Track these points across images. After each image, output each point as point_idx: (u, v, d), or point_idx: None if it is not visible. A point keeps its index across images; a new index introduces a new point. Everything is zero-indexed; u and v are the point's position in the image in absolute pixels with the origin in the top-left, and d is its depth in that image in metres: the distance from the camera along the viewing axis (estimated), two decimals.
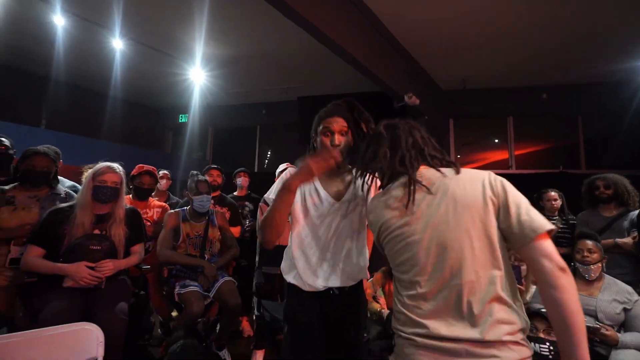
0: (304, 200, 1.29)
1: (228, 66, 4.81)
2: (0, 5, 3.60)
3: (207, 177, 3.08)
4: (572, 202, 3.13)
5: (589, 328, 1.83)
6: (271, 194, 1.31)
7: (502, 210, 0.88)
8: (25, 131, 3.93)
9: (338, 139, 1.26)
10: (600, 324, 1.87)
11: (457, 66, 4.70)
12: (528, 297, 2.17)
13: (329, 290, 1.27)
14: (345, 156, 1.29)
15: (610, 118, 4.84)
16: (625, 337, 1.83)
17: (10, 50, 4.50)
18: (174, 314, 2.67)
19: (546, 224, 0.84)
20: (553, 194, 3.08)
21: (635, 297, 1.95)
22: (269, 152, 6.74)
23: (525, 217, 0.85)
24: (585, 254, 2.09)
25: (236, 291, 2.37)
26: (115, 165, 2.12)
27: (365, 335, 2.41)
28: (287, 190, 1.16)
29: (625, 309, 1.91)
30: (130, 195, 2.71)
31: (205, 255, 2.50)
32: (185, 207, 2.59)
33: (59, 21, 3.77)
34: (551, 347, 1.67)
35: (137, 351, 2.53)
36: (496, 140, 5.71)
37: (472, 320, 0.83)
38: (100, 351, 1.50)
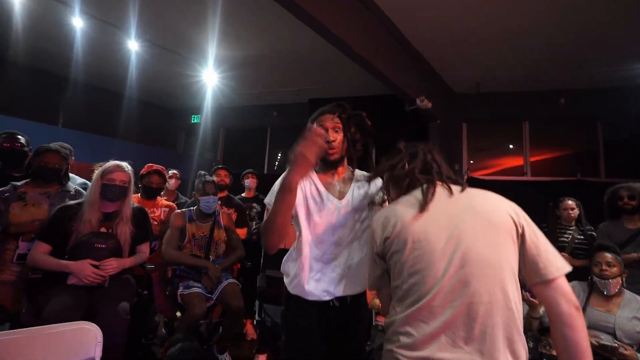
0: (305, 201, 1.27)
1: (240, 68, 4.85)
2: (22, 8, 3.73)
3: (214, 178, 3.09)
4: (590, 211, 3.00)
5: (606, 347, 1.74)
6: (272, 198, 1.28)
7: (526, 241, 0.88)
8: (43, 129, 4.04)
9: (332, 135, 1.28)
10: (619, 343, 1.78)
11: (471, 69, 4.60)
12: (541, 310, 2.08)
13: (329, 301, 1.23)
14: (342, 154, 1.29)
15: (631, 124, 4.64)
16: None
17: (31, 52, 4.65)
18: (179, 314, 2.67)
19: (567, 266, 0.87)
20: (570, 202, 2.96)
21: None
22: (279, 154, 6.75)
23: (549, 255, 0.87)
24: (604, 267, 1.99)
25: (239, 294, 2.35)
26: (124, 164, 2.14)
27: (369, 344, 2.37)
28: (287, 189, 1.08)
29: None
30: (139, 194, 2.73)
31: (210, 257, 2.49)
32: (192, 207, 2.59)
33: (77, 23, 3.87)
34: None
35: (140, 350, 2.55)
36: (511, 146, 5.55)
37: (482, 345, 0.80)
38: (98, 352, 1.49)
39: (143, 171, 2.73)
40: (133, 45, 4.16)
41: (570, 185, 4.49)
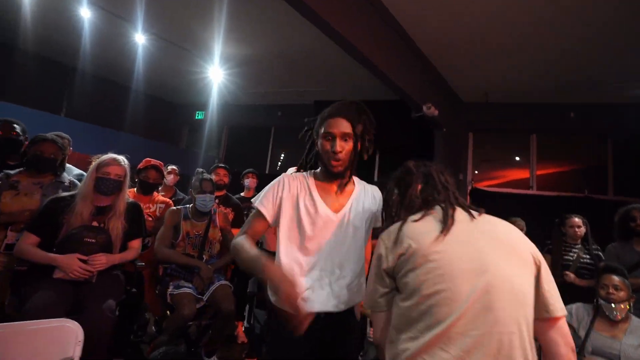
0: (297, 209, 1.18)
1: (246, 65, 4.83)
2: None
3: (213, 176, 3.04)
4: (597, 230, 2.92)
5: None
6: (257, 201, 1.21)
7: (541, 277, 0.89)
8: (45, 118, 4.03)
9: (340, 145, 1.14)
10: None
11: (480, 78, 4.53)
12: None
13: (317, 313, 1.14)
14: (347, 165, 1.18)
15: None
16: None
17: (39, 40, 4.64)
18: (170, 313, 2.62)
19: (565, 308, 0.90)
20: (577, 220, 2.87)
21: None
22: (282, 155, 6.71)
23: (557, 294, 0.88)
24: (611, 290, 1.91)
25: (231, 296, 2.29)
26: (121, 157, 2.09)
27: (361, 354, 2.29)
28: (258, 273, 0.99)
29: None
30: (135, 189, 2.69)
31: (204, 256, 2.44)
32: (188, 205, 2.54)
33: (85, 14, 3.87)
34: None
35: (129, 347, 2.50)
36: (517, 158, 5.46)
37: None
38: (77, 351, 1.43)
39: (140, 165, 2.69)
40: (140, 39, 4.15)
41: (577, 201, 4.39)
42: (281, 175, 1.24)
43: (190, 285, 2.27)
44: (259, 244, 2.64)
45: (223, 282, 2.37)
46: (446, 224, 0.89)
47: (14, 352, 1.31)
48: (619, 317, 1.84)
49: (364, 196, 1.26)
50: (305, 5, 2.54)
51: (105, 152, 2.07)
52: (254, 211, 1.21)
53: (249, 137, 7.00)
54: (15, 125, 2.24)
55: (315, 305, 1.13)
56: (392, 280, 0.91)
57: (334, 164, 1.15)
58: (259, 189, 3.51)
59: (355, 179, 1.30)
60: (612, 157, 4.80)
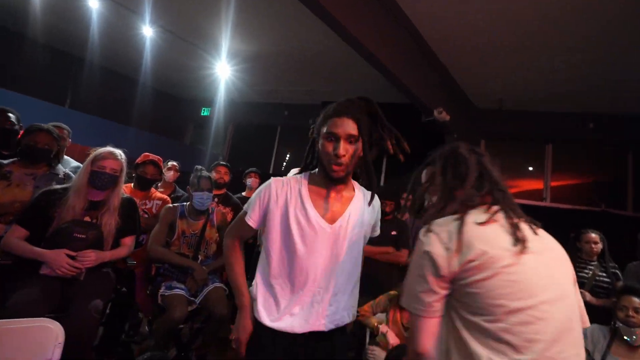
0: (286, 219, 1.06)
1: (253, 62, 4.77)
2: None
3: (214, 174, 2.97)
4: (614, 247, 2.77)
5: None
6: (249, 208, 1.13)
7: (576, 287, 0.89)
8: (48, 108, 4.01)
9: (344, 147, 1.01)
10: None
11: (495, 84, 4.38)
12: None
13: (298, 335, 1.04)
14: (350, 170, 1.06)
15: None
16: None
17: (46, 29, 4.62)
18: None
19: None
20: (594, 235, 2.72)
21: None
22: (288, 155, 6.63)
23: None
24: (631, 313, 1.80)
25: (225, 299, 2.19)
26: (118, 151, 2.02)
27: None
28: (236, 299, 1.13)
29: None
30: (132, 184, 2.61)
31: (199, 257, 2.35)
32: (185, 203, 2.45)
33: (93, 4, 3.83)
34: None
35: (120, 347, 2.42)
36: (530, 168, 5.28)
37: None
38: (56, 354, 1.35)
39: (138, 160, 2.62)
40: (147, 31, 4.11)
41: (593, 216, 4.21)
42: (269, 180, 1.13)
43: (183, 287, 2.18)
44: (258, 245, 2.54)
45: (218, 284, 2.27)
46: (518, 234, 0.81)
47: None
48: (639, 342, 1.70)
49: (364, 205, 1.13)
50: (314, 1, 2.45)
51: (113, 146, 2.01)
52: (243, 213, 1.14)
53: (254, 135, 6.94)
54: (9, 115, 2.19)
55: (304, 324, 1.03)
56: (450, 285, 0.80)
57: (335, 168, 1.03)
58: None
59: (355, 184, 1.17)
60: (633, 170, 4.60)
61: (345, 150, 1.01)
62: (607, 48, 3.33)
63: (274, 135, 6.63)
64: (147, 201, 2.60)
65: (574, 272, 0.88)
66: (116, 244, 1.99)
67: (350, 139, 1.02)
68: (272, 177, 1.14)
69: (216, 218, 2.48)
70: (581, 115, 4.65)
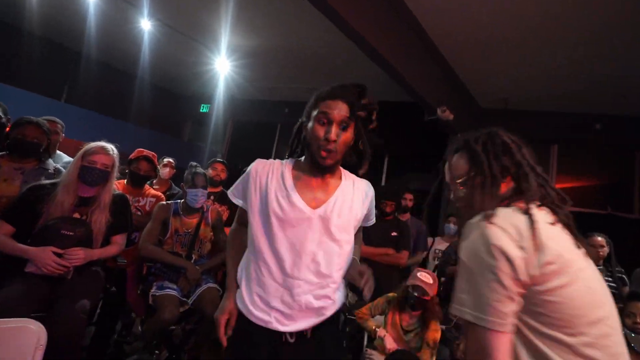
0: (265, 202, 1.00)
1: (253, 57, 4.70)
2: None
3: (210, 171, 2.91)
4: (620, 250, 2.71)
5: None
6: (234, 191, 1.11)
7: None
8: (43, 102, 3.95)
9: (335, 131, 0.95)
10: None
11: (498, 80, 4.29)
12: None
13: (281, 334, 0.98)
14: (339, 159, 1.00)
15: None
16: None
17: (43, 21, 4.54)
18: None
19: None
20: (600, 239, 2.66)
21: None
22: (288, 152, 6.57)
23: None
24: (638, 319, 1.78)
25: (218, 300, 2.10)
26: (110, 146, 1.96)
27: None
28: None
29: None
30: (125, 181, 2.55)
31: (193, 256, 2.29)
32: (179, 200, 2.39)
33: None
34: None
35: (113, 347, 2.37)
36: None
37: None
38: (37, 356, 1.29)
39: (132, 156, 2.55)
40: (146, 25, 4.04)
41: (599, 219, 4.14)
42: (254, 162, 1.09)
43: (175, 287, 2.12)
44: None
45: (211, 284, 2.21)
46: (577, 235, 0.74)
47: None
48: None
49: (353, 192, 1.06)
50: None
51: (106, 141, 1.95)
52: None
53: (254, 132, 6.87)
54: None
55: (286, 322, 0.96)
56: (523, 292, 0.68)
57: (324, 154, 0.96)
58: None
59: (344, 171, 1.10)
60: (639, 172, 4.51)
61: (336, 134, 0.95)
62: (609, 44, 3.25)
63: (274, 133, 6.57)
64: (140, 198, 2.54)
65: None
66: (107, 242, 1.93)
67: (342, 124, 0.97)
68: (257, 160, 1.10)
69: (211, 216, 2.42)
70: (587, 116, 4.57)
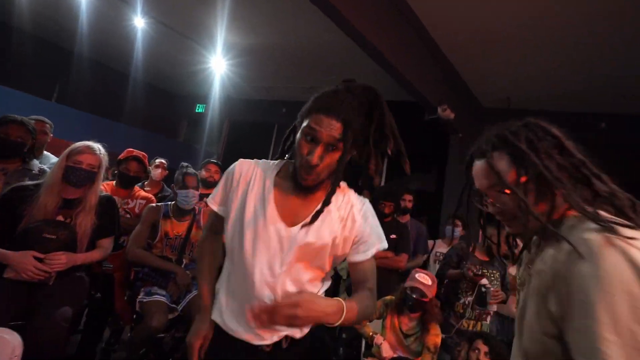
0: (242, 211, 0.92)
1: (249, 56, 4.61)
2: None
3: (203, 172, 2.81)
4: None
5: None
6: (213, 199, 1.00)
7: None
8: (33, 102, 3.86)
9: (319, 154, 0.82)
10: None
11: (503, 81, 4.20)
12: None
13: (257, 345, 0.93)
14: (323, 179, 0.88)
15: None
16: None
17: (33, 18, 4.45)
18: None
19: None
20: None
21: None
22: (278, 152, 6.51)
23: None
24: None
25: None
26: (97, 146, 1.87)
27: None
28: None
29: None
30: (114, 182, 2.46)
31: (184, 260, 2.20)
32: (170, 202, 2.30)
33: None
34: None
35: (101, 356, 2.28)
36: None
37: None
38: None
39: (121, 156, 2.46)
40: (139, 22, 3.95)
41: None
42: (237, 161, 1.00)
43: (163, 293, 2.03)
44: None
45: None
46: None
47: None
48: None
49: (339, 210, 0.93)
50: None
51: (96, 142, 1.86)
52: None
53: (251, 133, 6.78)
54: None
55: (256, 340, 0.92)
56: None
57: (304, 176, 0.86)
58: None
59: (341, 186, 0.97)
60: None
61: (320, 159, 0.83)
62: (610, 42, 3.16)
63: (271, 133, 6.48)
64: (129, 200, 2.44)
65: None
66: (93, 246, 1.84)
67: (330, 146, 0.83)
68: (240, 159, 1.00)
69: (203, 219, 2.33)
70: (592, 115, 4.47)
